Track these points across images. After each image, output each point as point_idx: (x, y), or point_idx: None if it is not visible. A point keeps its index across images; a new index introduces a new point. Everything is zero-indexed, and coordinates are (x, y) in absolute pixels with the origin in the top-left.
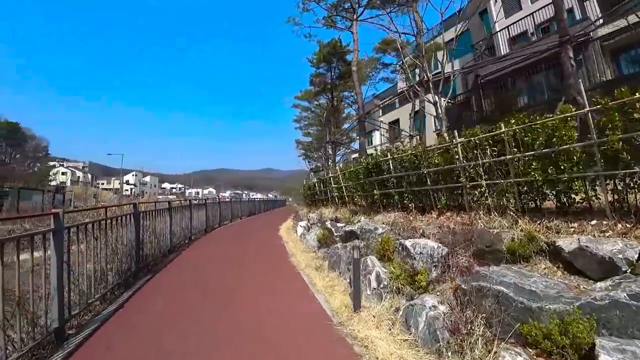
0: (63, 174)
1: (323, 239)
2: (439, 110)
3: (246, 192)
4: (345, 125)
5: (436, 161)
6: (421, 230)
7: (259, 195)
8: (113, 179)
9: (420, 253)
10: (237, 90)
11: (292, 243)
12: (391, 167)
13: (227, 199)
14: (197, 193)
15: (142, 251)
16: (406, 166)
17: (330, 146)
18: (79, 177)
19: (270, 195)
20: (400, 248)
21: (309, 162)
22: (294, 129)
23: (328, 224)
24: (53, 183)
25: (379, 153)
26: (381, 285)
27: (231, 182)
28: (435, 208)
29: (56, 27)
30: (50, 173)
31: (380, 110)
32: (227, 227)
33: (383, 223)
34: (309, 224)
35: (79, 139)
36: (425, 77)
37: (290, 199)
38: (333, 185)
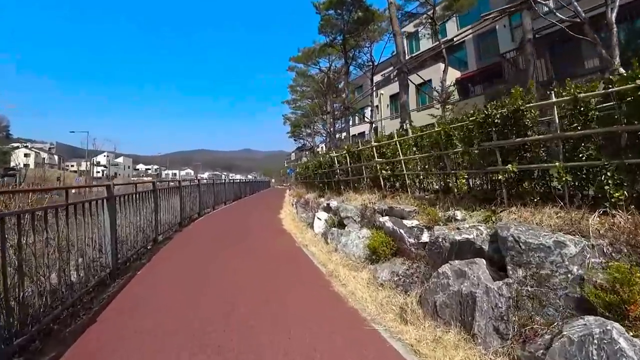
0: (26, 155)
1: (382, 249)
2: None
3: (225, 173)
4: (348, 94)
5: None
6: None
7: (239, 177)
8: (83, 160)
9: None
10: (219, 70)
11: (315, 247)
12: (556, 120)
13: (205, 180)
14: (174, 174)
15: (20, 303)
16: (604, 118)
17: (329, 116)
18: (44, 158)
19: (250, 177)
20: None
21: (296, 140)
22: (280, 102)
23: (386, 222)
24: (15, 165)
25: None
26: None
27: (210, 163)
28: None
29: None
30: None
31: (374, 86)
32: (210, 217)
33: (558, 231)
34: (335, 218)
35: (48, 121)
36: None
37: (273, 180)
38: (377, 159)
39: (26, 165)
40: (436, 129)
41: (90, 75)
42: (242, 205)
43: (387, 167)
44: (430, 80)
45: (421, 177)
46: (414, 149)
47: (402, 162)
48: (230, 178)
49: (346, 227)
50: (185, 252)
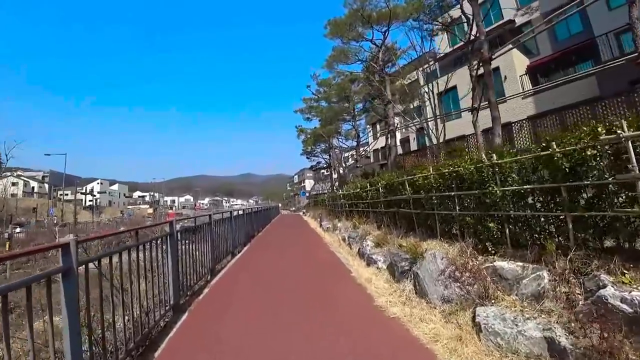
0: (13, 184)
1: None
2: None
3: (226, 198)
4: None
5: None
6: None
7: (239, 202)
8: (77, 189)
9: None
10: (217, 93)
11: None
12: None
13: (205, 207)
14: (173, 201)
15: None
16: None
17: (390, 106)
18: (33, 187)
19: (251, 201)
20: None
21: (308, 157)
22: (293, 111)
23: None
24: None
25: None
26: None
27: (210, 188)
28: None
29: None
30: None
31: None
32: (197, 338)
33: None
34: None
35: (41, 149)
36: None
37: (279, 205)
38: None
39: (14, 195)
40: None
41: (88, 100)
42: (267, 261)
43: None
44: (497, 68)
45: None
46: None
47: None
48: (231, 203)
49: None
50: None
